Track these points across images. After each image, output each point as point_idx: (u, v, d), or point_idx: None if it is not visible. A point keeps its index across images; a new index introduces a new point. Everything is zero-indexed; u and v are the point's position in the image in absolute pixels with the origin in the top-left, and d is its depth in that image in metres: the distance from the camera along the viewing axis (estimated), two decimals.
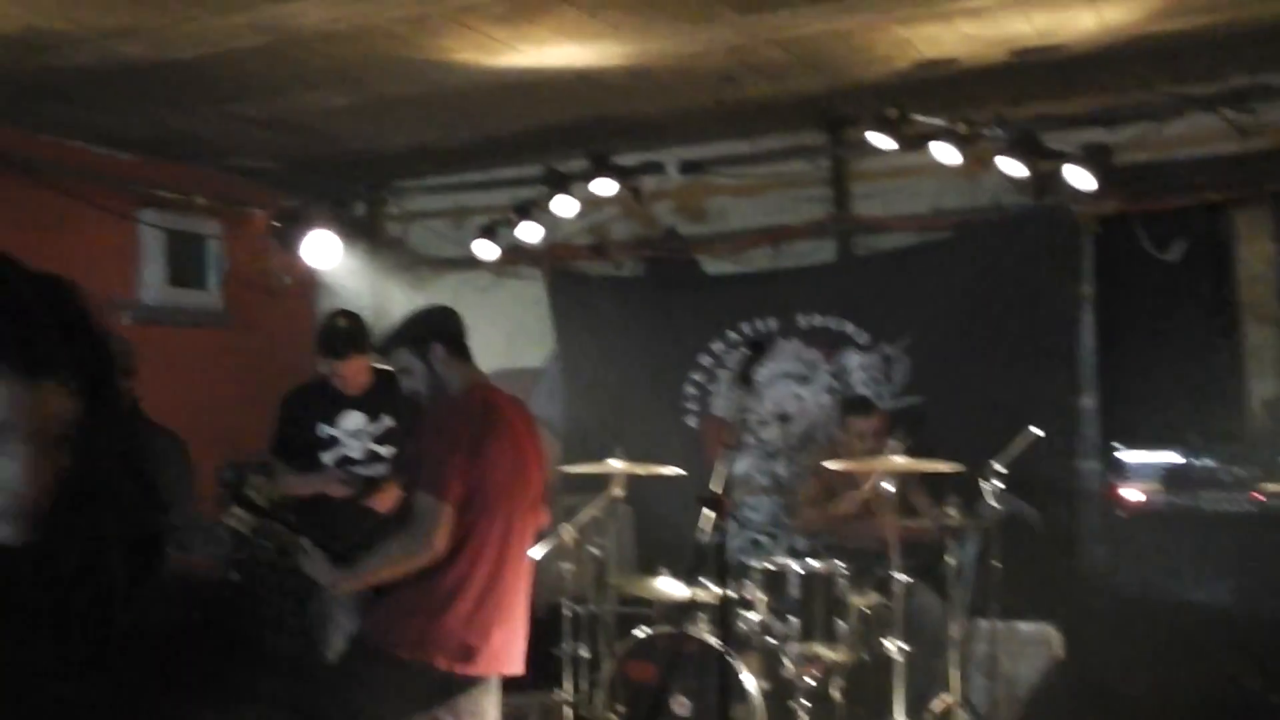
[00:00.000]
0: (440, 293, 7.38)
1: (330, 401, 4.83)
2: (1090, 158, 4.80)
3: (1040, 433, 4.51)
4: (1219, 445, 4.87)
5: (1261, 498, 4.74)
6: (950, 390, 5.84)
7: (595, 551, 5.06)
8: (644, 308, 6.64)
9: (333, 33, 4.52)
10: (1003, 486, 4.47)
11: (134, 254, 6.67)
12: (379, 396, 4.83)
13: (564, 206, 6.05)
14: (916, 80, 5.29)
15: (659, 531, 5.96)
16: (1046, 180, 5.67)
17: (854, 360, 6.14)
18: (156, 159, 6.66)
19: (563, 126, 6.11)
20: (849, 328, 6.15)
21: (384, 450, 4.87)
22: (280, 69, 5.01)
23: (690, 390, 6.54)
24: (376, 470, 4.83)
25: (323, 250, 6.33)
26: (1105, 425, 5.69)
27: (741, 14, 4.33)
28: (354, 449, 4.85)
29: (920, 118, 5.14)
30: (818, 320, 6.22)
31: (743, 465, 6.42)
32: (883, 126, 5.13)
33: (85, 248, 6.30)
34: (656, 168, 6.01)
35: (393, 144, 6.57)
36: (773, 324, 6.33)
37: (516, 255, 6.80)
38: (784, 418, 6.33)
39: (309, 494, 4.73)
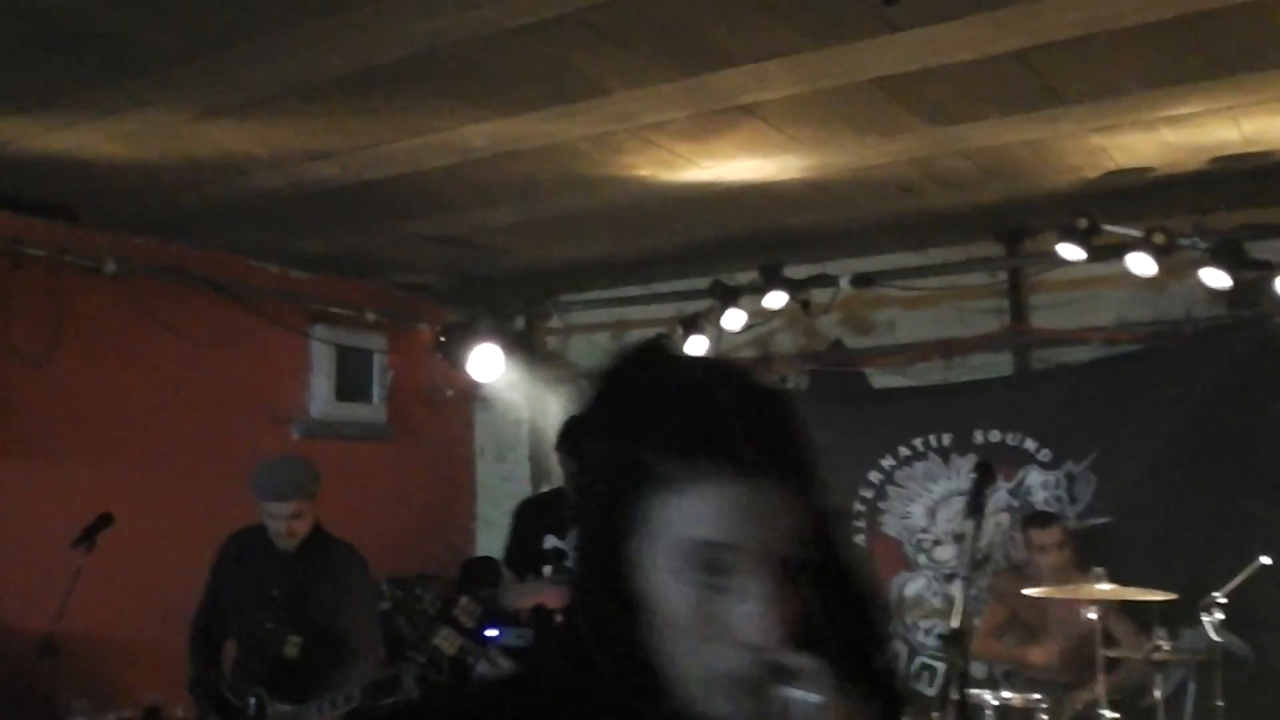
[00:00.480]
0: None
1: (562, 514, 4.59)
2: None
3: (1269, 561, 4.18)
4: None
5: None
6: (1140, 511, 5.50)
7: None
8: (809, 422, 6.44)
9: (518, 151, 4.57)
10: (1223, 618, 4.14)
11: (304, 368, 6.81)
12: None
13: (732, 319, 5.98)
14: (1106, 189, 5.11)
15: None
16: (1242, 292, 5.41)
17: (1035, 478, 5.85)
18: (329, 275, 6.83)
19: (731, 239, 6.08)
20: (1029, 444, 5.88)
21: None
22: (461, 187, 5.09)
23: (859, 507, 6.32)
24: None
25: (486, 363, 6.36)
26: None
27: (930, 125, 4.24)
28: None
29: (1111, 228, 4.94)
30: (996, 436, 5.97)
31: (915, 587, 6.15)
32: (1072, 237, 4.94)
33: (259, 362, 6.46)
34: (828, 280, 5.91)
35: (557, 258, 6.62)
36: (947, 440, 6.10)
37: None
38: (959, 537, 6.05)
39: (529, 605, 4.62)
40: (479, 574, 7.41)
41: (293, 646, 4.24)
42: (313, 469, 4.48)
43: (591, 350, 7.46)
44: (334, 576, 4.37)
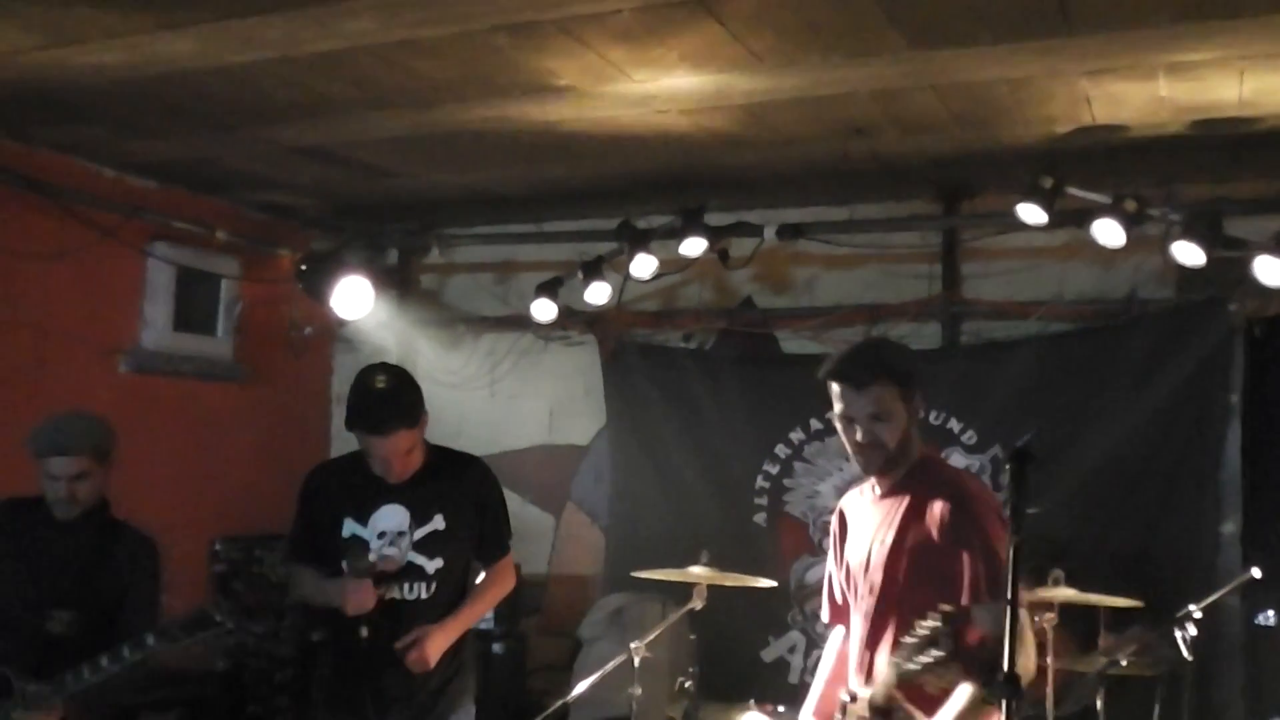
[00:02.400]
0: (476, 354, 6.64)
1: (362, 489, 3.54)
2: None
3: (1259, 574, 3.76)
4: None
5: None
6: (1070, 504, 5.07)
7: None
8: (713, 386, 5.87)
9: (414, 41, 3.79)
10: (1195, 634, 3.71)
11: (137, 291, 5.87)
12: (431, 486, 3.56)
13: (642, 266, 5.31)
14: (1070, 149, 4.62)
15: (717, 647, 5.06)
16: (1191, 273, 5.01)
17: (959, 462, 5.37)
18: (176, 187, 5.90)
19: (646, 175, 5.40)
20: (954, 425, 5.41)
21: (429, 563, 3.56)
22: (341, 85, 4.27)
23: (762, 484, 5.75)
24: (412, 591, 3.55)
25: (353, 299, 5.53)
26: (1247, 554, 4.94)
27: (914, 48, 3.64)
28: (387, 555, 3.51)
29: (1077, 191, 4.45)
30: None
31: (818, 572, 5.61)
32: (1035, 197, 4.43)
33: (83, 281, 5.51)
34: (751, 229, 5.29)
35: (445, 184, 5.83)
36: None
37: (569, 318, 6.05)
38: None
39: (321, 605, 3.63)
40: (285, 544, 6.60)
41: (59, 623, 3.57)
42: (105, 426, 3.74)
43: (473, 292, 6.70)
44: (121, 560, 3.69)
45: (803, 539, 5.66)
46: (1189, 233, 4.29)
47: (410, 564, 3.53)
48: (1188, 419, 5.02)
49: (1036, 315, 5.27)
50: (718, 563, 4.40)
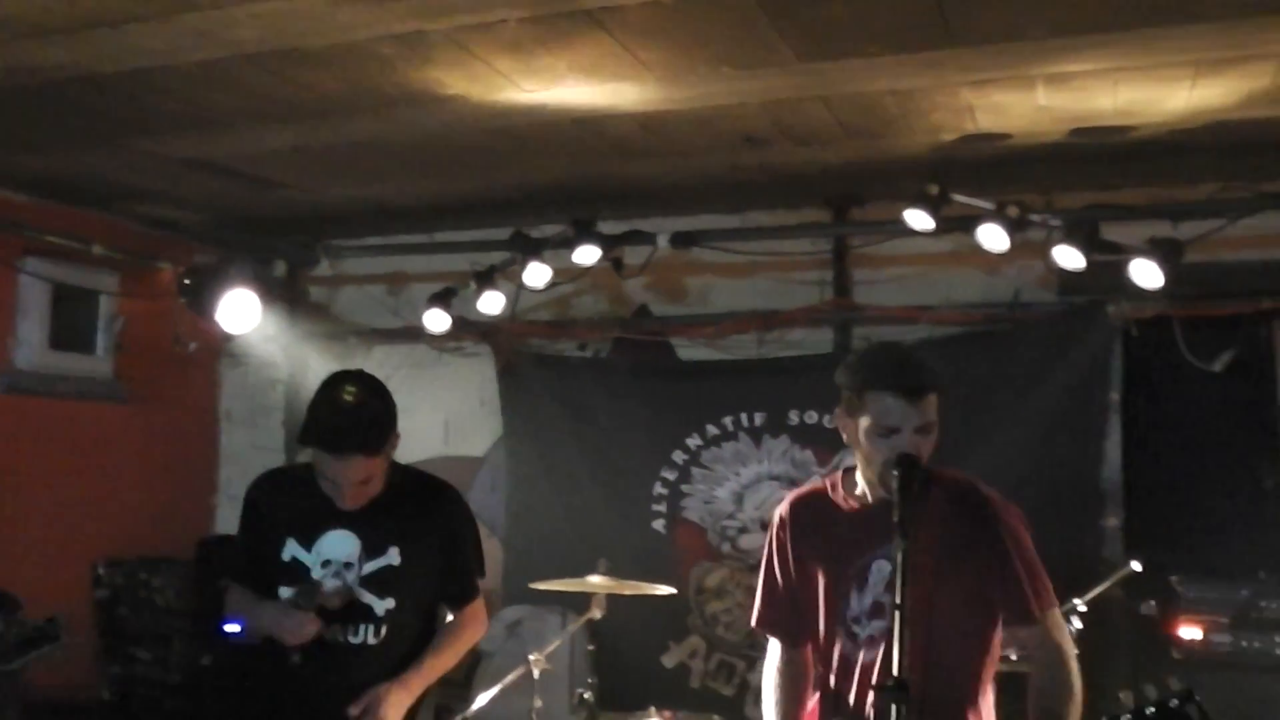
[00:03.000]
0: (368, 367, 6.44)
1: (311, 508, 3.06)
2: (1161, 252, 4.25)
3: (1139, 567, 3.87)
4: None
5: None
6: None
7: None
8: (609, 395, 5.86)
9: (300, 50, 3.70)
10: (1080, 626, 3.81)
11: (9, 308, 5.64)
12: (389, 515, 3.06)
13: (536, 275, 5.28)
14: (955, 158, 4.72)
15: (618, 656, 5.04)
16: (1074, 276, 5.16)
17: (852, 463, 5.44)
18: (48, 201, 5.68)
19: (538, 186, 5.38)
20: None
21: (378, 603, 3.04)
22: (226, 95, 4.15)
23: (660, 490, 5.76)
24: (357, 634, 3.05)
25: (239, 313, 5.38)
26: (1128, 547, 5.10)
27: (804, 59, 3.67)
28: (329, 590, 3.01)
29: (962, 198, 4.55)
30: (812, 417, 5.54)
31: (717, 576, 5.66)
32: (922, 204, 4.52)
33: None
34: (644, 238, 5.29)
35: (334, 196, 5.72)
36: (760, 419, 5.62)
37: (463, 329, 5.98)
38: (767, 525, 5.57)
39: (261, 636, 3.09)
40: (220, 557, 6.44)
41: None
42: None
43: (364, 304, 6.59)
44: None
45: (701, 544, 5.68)
46: (1069, 238, 4.41)
47: (357, 602, 3.02)
48: (1072, 418, 5.16)
49: (925, 320, 5.35)
50: (616, 571, 4.39)
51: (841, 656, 2.63)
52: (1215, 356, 5.01)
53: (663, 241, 5.24)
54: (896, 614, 2.14)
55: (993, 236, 4.51)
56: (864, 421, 2.59)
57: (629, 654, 5.39)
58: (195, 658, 5.65)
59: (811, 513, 2.78)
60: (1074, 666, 2.49)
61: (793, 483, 5.55)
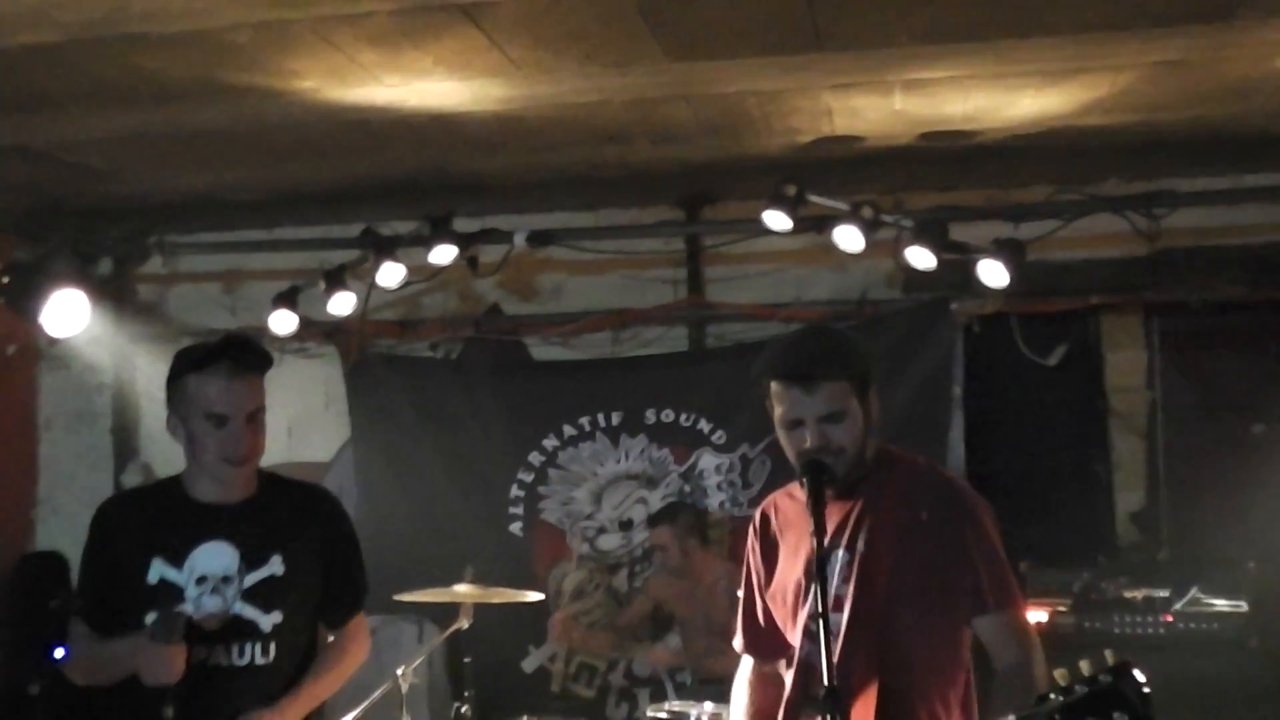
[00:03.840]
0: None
1: (176, 522, 2.72)
2: (1006, 253, 4.44)
3: None
4: (1132, 564, 4.56)
5: (1170, 619, 4.47)
6: None
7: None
8: (461, 396, 5.74)
9: (144, 35, 3.48)
10: None
11: None
12: (266, 519, 2.77)
13: (390, 275, 5.12)
14: (808, 159, 4.81)
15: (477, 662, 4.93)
16: (917, 275, 5.34)
17: (709, 461, 5.51)
18: None
19: (388, 180, 5.22)
20: (704, 425, 5.52)
21: (263, 618, 2.72)
22: (51, 79, 3.87)
23: (517, 492, 5.68)
24: (242, 655, 2.71)
25: (67, 315, 5.04)
26: None
27: (671, 59, 3.67)
28: (207, 607, 2.67)
29: (817, 199, 4.64)
30: (669, 416, 5.56)
31: (576, 578, 5.63)
32: (779, 204, 4.59)
33: None
34: (500, 236, 5.20)
35: (167, 188, 5.42)
36: (616, 419, 5.61)
37: (306, 329, 5.76)
38: (626, 525, 5.60)
39: (115, 677, 2.70)
40: (40, 573, 6.04)
41: None
42: None
43: (198, 303, 6.27)
44: None
45: (560, 545, 5.63)
46: (920, 238, 4.55)
47: (239, 619, 2.69)
48: (919, 412, 5.32)
49: (778, 317, 5.44)
50: (478, 578, 4.31)
51: (803, 659, 2.48)
52: (1050, 351, 5.26)
53: (519, 240, 5.16)
54: (821, 622, 2.10)
55: (848, 237, 4.61)
56: (776, 414, 2.46)
57: (487, 661, 5.29)
58: (19, 684, 5.27)
59: (776, 512, 2.65)
60: (1036, 671, 2.28)
61: (650, 482, 5.57)
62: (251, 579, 2.72)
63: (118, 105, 4.17)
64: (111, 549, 2.74)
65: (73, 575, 6.07)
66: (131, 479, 6.19)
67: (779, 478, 5.32)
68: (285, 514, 2.80)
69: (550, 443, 5.66)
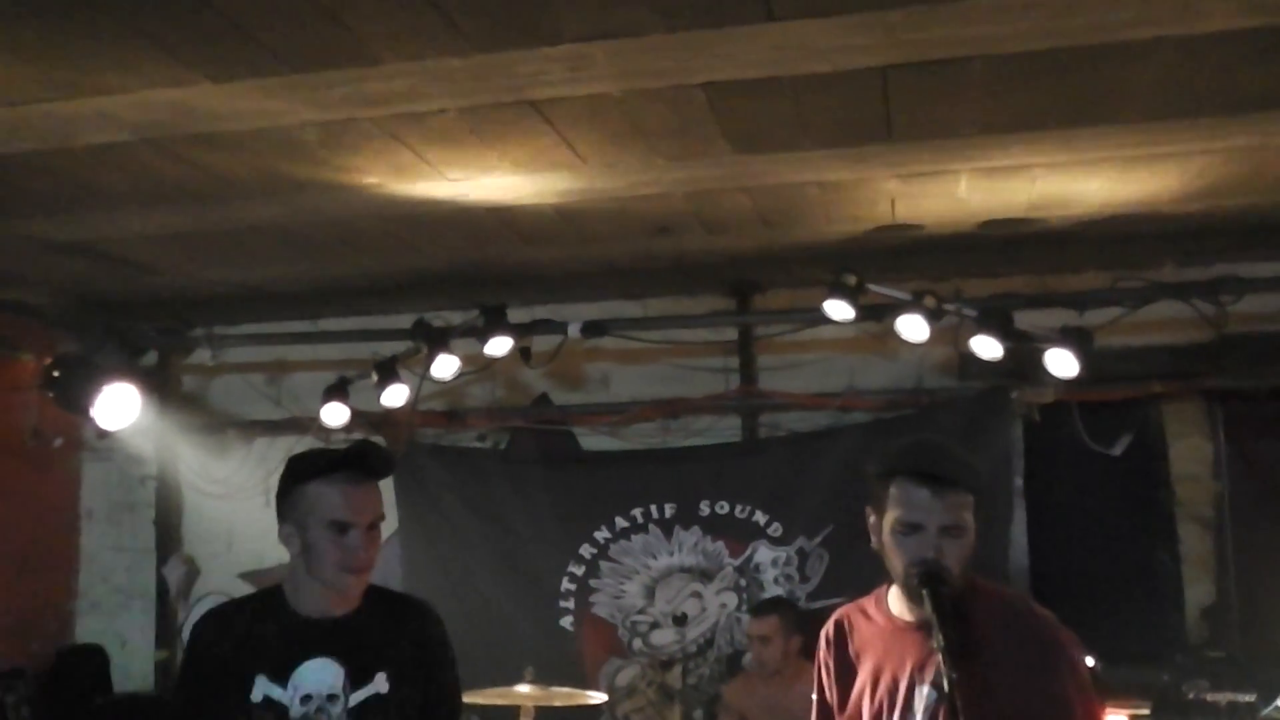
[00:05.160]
0: (248, 460, 6.15)
1: (279, 637, 2.62)
2: (1073, 340, 4.35)
3: None
4: (1211, 664, 4.39)
5: None
6: (872, 590, 5.14)
7: None
8: (509, 486, 5.66)
9: (213, 134, 3.48)
10: None
11: None
12: (371, 635, 2.65)
13: (444, 366, 5.07)
14: (863, 246, 4.77)
15: None
16: (973, 362, 5.26)
17: (765, 554, 5.38)
18: None
19: (438, 272, 5.20)
20: (759, 517, 5.41)
21: None
22: (113, 177, 3.87)
23: (568, 586, 5.56)
24: None
25: (118, 409, 5.00)
26: None
27: (738, 152, 3.64)
28: None
29: (877, 288, 4.58)
30: (724, 508, 5.45)
31: (629, 675, 5.47)
32: (839, 294, 4.53)
33: None
34: (555, 327, 5.15)
35: (211, 282, 5.42)
36: (670, 510, 5.50)
37: (353, 420, 5.70)
38: (680, 619, 5.46)
39: None
40: (80, 667, 5.93)
41: None
42: None
43: (241, 394, 6.23)
44: None
45: (611, 640, 5.49)
46: (985, 327, 4.47)
47: None
48: (980, 504, 5.19)
49: (833, 406, 5.36)
50: (514, 666, 4.18)
51: None
52: (1112, 440, 5.14)
53: (573, 330, 5.11)
54: None
55: (912, 326, 4.54)
56: (888, 518, 2.36)
57: None
58: None
59: (852, 630, 2.56)
60: None
61: (704, 574, 5.45)
62: (357, 697, 2.61)
63: (169, 202, 4.16)
64: (213, 663, 2.61)
65: (113, 669, 6.00)
66: (174, 572, 6.11)
67: (838, 571, 5.28)
68: (389, 629, 2.69)
69: (602, 534, 5.56)
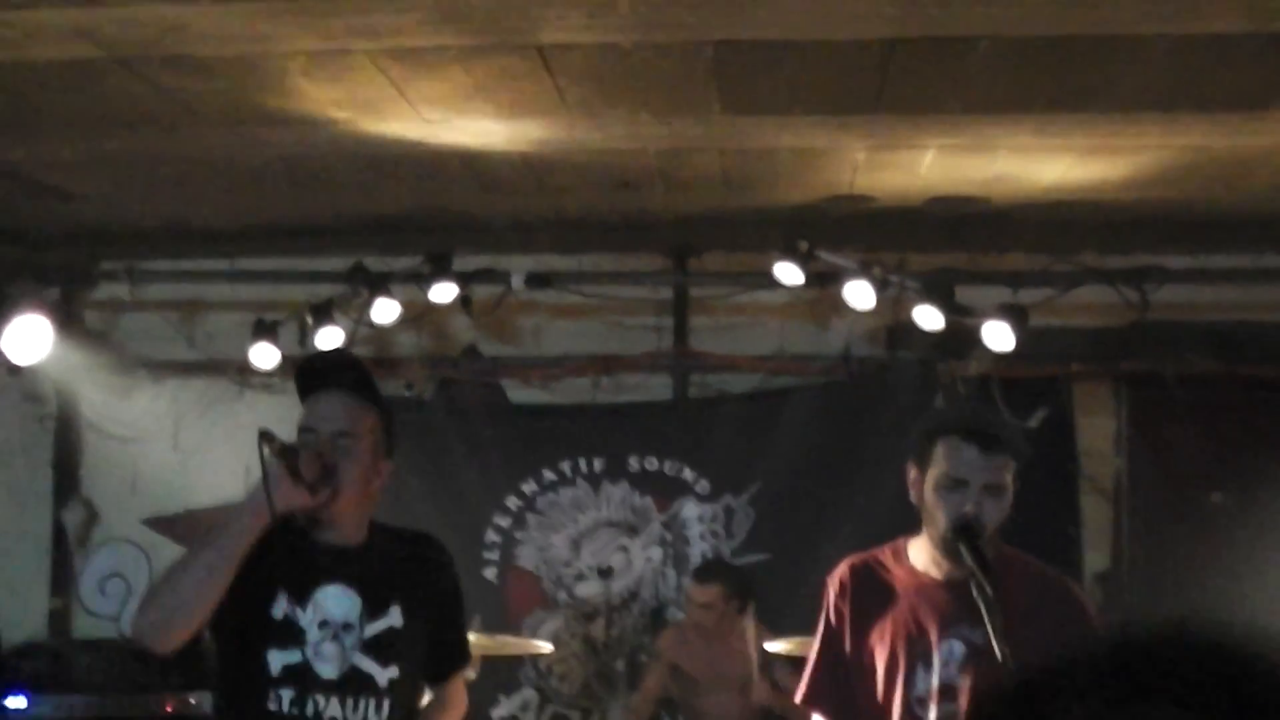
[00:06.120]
0: (157, 404, 5.92)
1: (301, 559, 2.55)
2: (1010, 316, 4.54)
3: None
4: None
5: None
6: (796, 549, 5.30)
7: None
8: (436, 437, 5.60)
9: (196, 58, 3.33)
10: None
11: None
12: (386, 565, 2.62)
13: (385, 311, 4.98)
14: (812, 215, 4.86)
15: None
16: (900, 333, 5.45)
17: (692, 511, 5.47)
18: None
19: (384, 217, 5.09)
20: (688, 474, 5.49)
21: (380, 673, 2.55)
22: (54, 96, 3.67)
23: (492, 537, 5.55)
24: (357, 709, 2.52)
25: (30, 342, 4.75)
26: None
27: (726, 112, 3.67)
28: (325, 658, 2.51)
29: (828, 255, 4.68)
30: (652, 464, 5.51)
31: (552, 626, 5.50)
32: (792, 258, 4.62)
33: None
34: (498, 277, 5.10)
35: (131, 213, 5.18)
36: (599, 465, 5.54)
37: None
38: (605, 572, 5.51)
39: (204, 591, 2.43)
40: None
41: None
42: None
43: (152, 332, 5.97)
44: None
45: (535, 592, 5.51)
46: (928, 298, 4.62)
47: (356, 671, 2.51)
48: (895, 470, 5.38)
49: (767, 370, 5.47)
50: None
51: None
52: (1028, 414, 5.38)
53: (517, 282, 5.07)
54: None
55: (859, 294, 4.66)
56: (932, 473, 2.47)
57: None
58: None
59: (873, 581, 2.63)
60: None
61: (631, 529, 5.51)
62: (372, 629, 2.56)
63: (119, 127, 3.97)
64: (243, 574, 2.45)
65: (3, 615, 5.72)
66: (73, 517, 5.85)
67: (763, 529, 5.41)
68: (401, 561, 2.66)
69: (529, 487, 5.55)
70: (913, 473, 2.55)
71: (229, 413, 5.91)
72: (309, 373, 2.67)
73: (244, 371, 5.57)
